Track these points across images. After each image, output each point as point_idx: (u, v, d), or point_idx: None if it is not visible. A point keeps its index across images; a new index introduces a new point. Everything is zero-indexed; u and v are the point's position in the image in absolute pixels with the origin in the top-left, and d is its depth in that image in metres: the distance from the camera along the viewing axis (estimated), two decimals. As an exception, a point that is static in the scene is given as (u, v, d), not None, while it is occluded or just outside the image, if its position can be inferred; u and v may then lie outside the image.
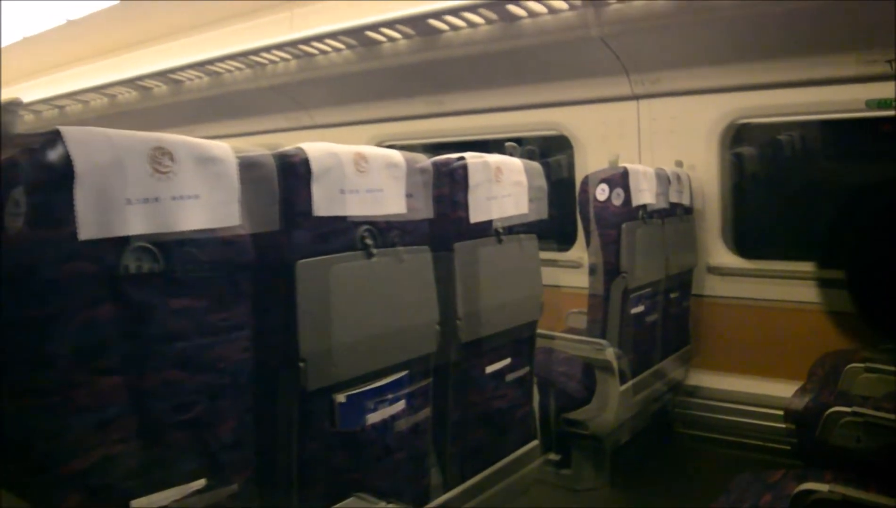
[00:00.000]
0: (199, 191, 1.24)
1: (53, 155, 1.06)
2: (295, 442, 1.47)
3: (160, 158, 1.18)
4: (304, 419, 1.49)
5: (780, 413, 2.45)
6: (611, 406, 2.72)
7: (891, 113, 2.93)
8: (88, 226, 1.08)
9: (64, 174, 1.06)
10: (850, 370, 2.49)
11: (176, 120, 5.13)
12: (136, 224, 1.14)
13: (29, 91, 5.67)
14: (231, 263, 1.30)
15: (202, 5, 4.51)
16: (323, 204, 1.50)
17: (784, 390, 2.68)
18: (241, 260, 1.32)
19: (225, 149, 1.32)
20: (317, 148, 1.52)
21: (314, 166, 1.48)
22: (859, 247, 3.16)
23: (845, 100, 3.02)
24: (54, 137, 1.07)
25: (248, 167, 1.38)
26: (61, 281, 1.07)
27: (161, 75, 4.76)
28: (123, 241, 1.13)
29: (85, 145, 1.09)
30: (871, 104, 2.95)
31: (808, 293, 3.20)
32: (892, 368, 2.44)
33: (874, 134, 3.19)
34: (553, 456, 2.68)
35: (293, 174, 1.47)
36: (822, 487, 1.61)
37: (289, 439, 1.47)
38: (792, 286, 3.24)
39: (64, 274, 1.07)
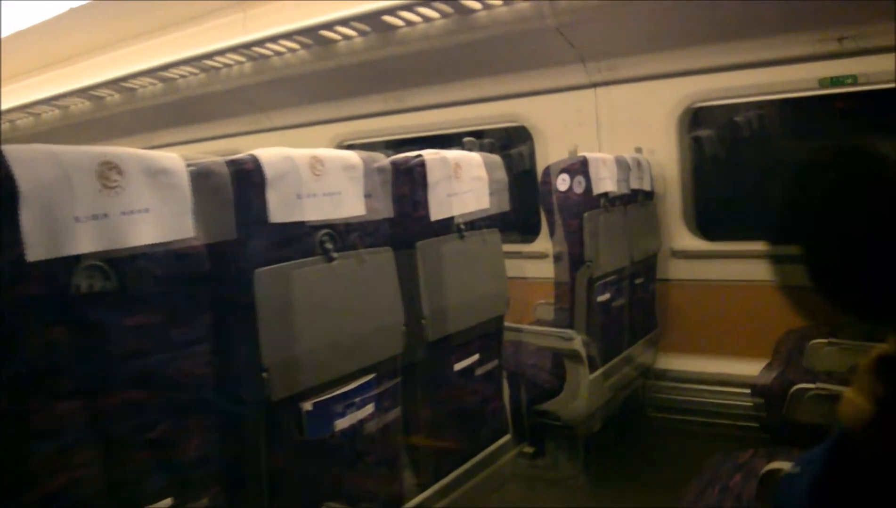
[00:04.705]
0: (149, 205, 1.21)
1: None
2: (263, 454, 1.45)
3: (108, 173, 1.15)
4: (271, 429, 1.47)
5: (749, 391, 2.48)
6: (581, 394, 2.73)
7: (843, 90, 2.97)
8: (36, 247, 1.05)
9: (8, 194, 1.03)
10: (814, 345, 2.52)
11: (131, 129, 5.05)
12: (85, 242, 1.11)
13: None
14: (187, 276, 1.28)
15: (152, 10, 4.43)
16: (279, 210, 1.47)
17: (752, 368, 2.72)
18: (197, 272, 1.30)
19: (175, 159, 1.29)
20: (271, 153, 1.49)
21: (268, 172, 1.46)
22: (814, 222, 3.20)
23: (799, 79, 3.06)
24: None
25: (201, 176, 1.35)
26: (11, 305, 1.04)
27: (113, 83, 4.67)
28: (74, 261, 1.10)
29: (29, 163, 1.06)
30: (823, 82, 3.00)
31: (770, 271, 3.24)
32: (854, 342, 2.47)
33: (829, 111, 3.24)
34: (527, 449, 2.68)
35: (247, 181, 1.44)
36: (789, 465, 1.63)
37: (257, 451, 1.45)
38: (755, 265, 3.27)
39: (13, 297, 1.04)
